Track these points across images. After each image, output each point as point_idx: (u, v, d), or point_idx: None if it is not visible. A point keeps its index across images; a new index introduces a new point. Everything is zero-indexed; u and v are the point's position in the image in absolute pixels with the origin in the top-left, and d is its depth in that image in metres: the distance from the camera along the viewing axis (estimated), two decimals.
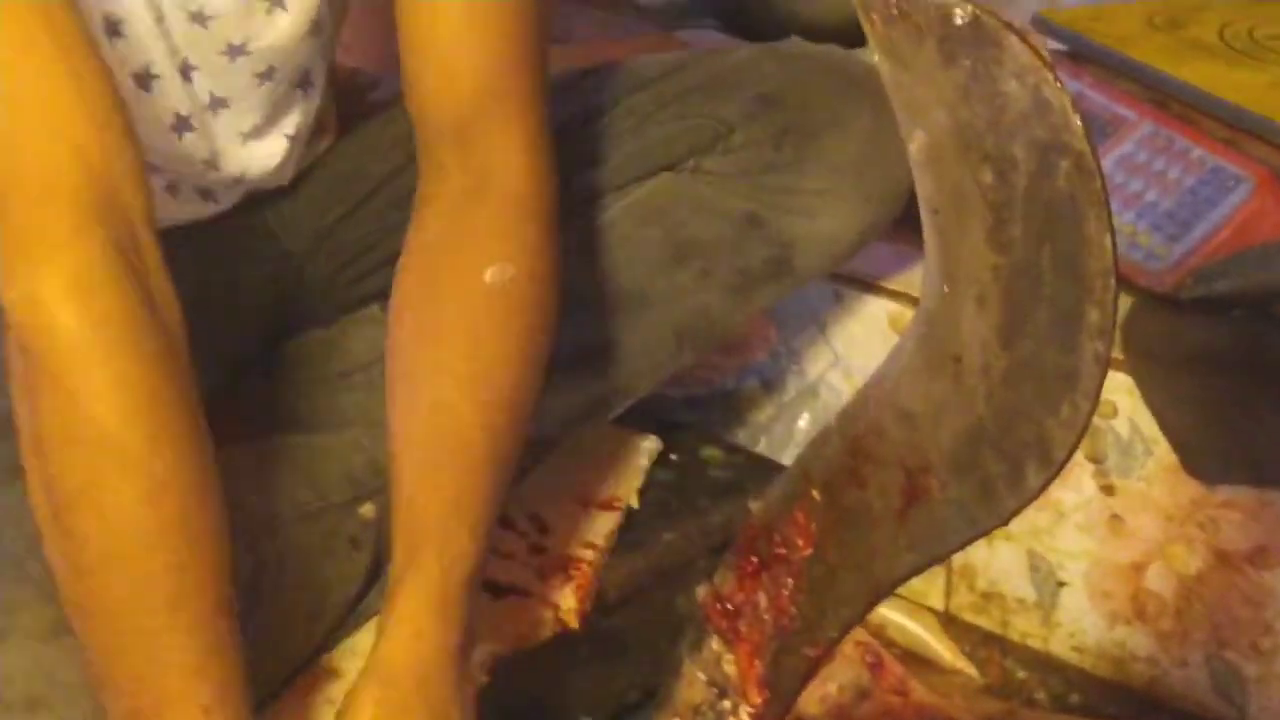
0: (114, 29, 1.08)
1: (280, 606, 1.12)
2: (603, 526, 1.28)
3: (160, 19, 1.09)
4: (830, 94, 1.26)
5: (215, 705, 0.92)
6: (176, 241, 1.17)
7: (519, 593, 1.22)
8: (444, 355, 1.05)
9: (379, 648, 1.00)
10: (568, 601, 1.21)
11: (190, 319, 1.17)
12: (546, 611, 1.21)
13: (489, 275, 1.06)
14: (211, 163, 1.16)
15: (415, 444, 1.05)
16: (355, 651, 1.15)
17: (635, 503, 1.31)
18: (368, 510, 1.20)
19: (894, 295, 1.43)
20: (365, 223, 1.26)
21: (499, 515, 1.06)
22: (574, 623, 1.20)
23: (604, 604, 1.29)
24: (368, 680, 0.98)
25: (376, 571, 1.20)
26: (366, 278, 1.27)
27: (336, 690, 1.12)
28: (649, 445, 1.38)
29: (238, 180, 1.19)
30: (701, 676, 0.96)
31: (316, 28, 1.15)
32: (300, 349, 1.29)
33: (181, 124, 1.13)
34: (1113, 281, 0.76)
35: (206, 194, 1.19)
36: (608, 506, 1.30)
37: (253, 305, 1.25)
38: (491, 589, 1.21)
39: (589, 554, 1.26)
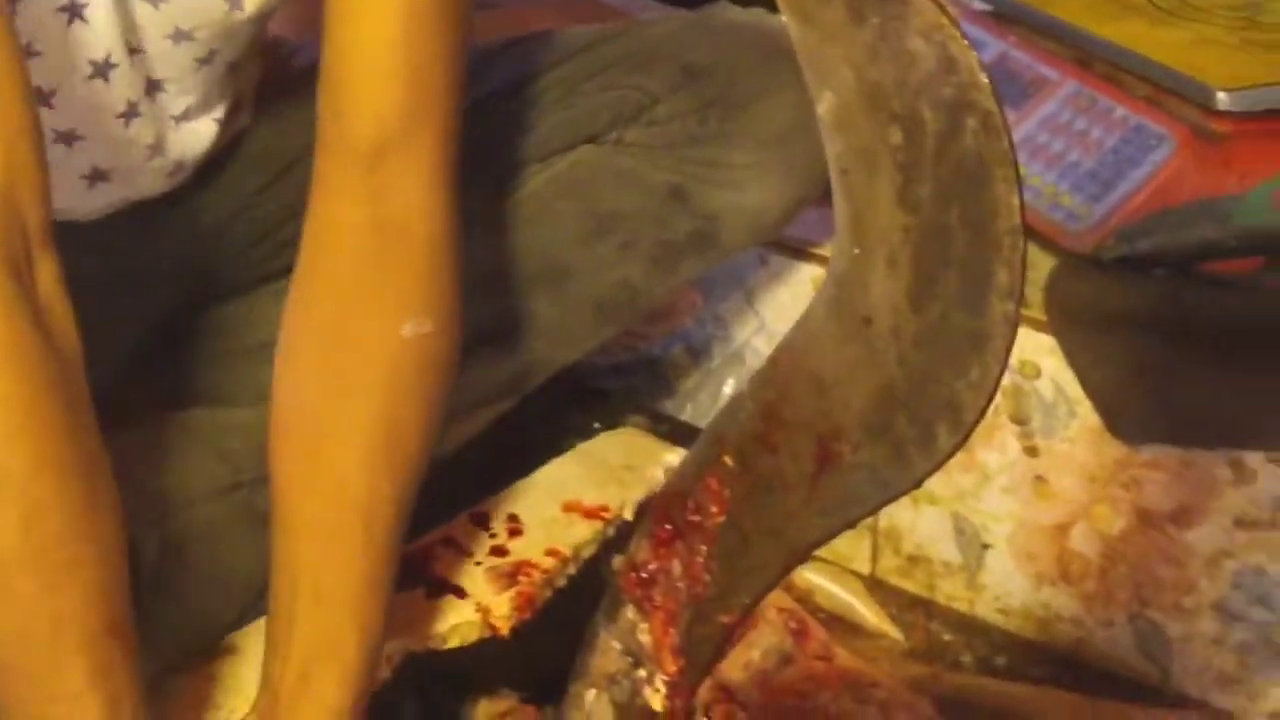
0: (76, 13, 1.05)
1: (187, 586, 1.10)
2: (577, 535, 1.25)
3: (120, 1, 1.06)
4: (757, 66, 1.25)
5: None
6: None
7: (455, 592, 1.20)
8: (353, 414, 0.99)
9: None
10: (501, 608, 1.19)
11: (101, 290, 1.16)
12: (476, 615, 1.19)
13: (407, 329, 1.01)
14: (156, 148, 1.14)
15: (315, 532, 0.99)
16: (258, 629, 1.13)
17: (629, 515, 1.28)
18: None
19: (821, 260, 1.43)
20: (283, 195, 1.24)
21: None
22: (504, 630, 1.18)
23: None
24: None
25: None
26: (284, 249, 1.25)
27: (229, 668, 1.11)
28: (668, 458, 1.34)
29: (179, 165, 1.16)
30: (617, 645, 0.95)
31: (264, 16, 1.13)
32: (215, 320, 1.27)
33: (130, 110, 1.11)
34: (1021, 241, 0.75)
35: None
36: (593, 515, 1.27)
37: (165, 275, 1.23)
38: (428, 585, 1.19)
39: (548, 562, 1.23)
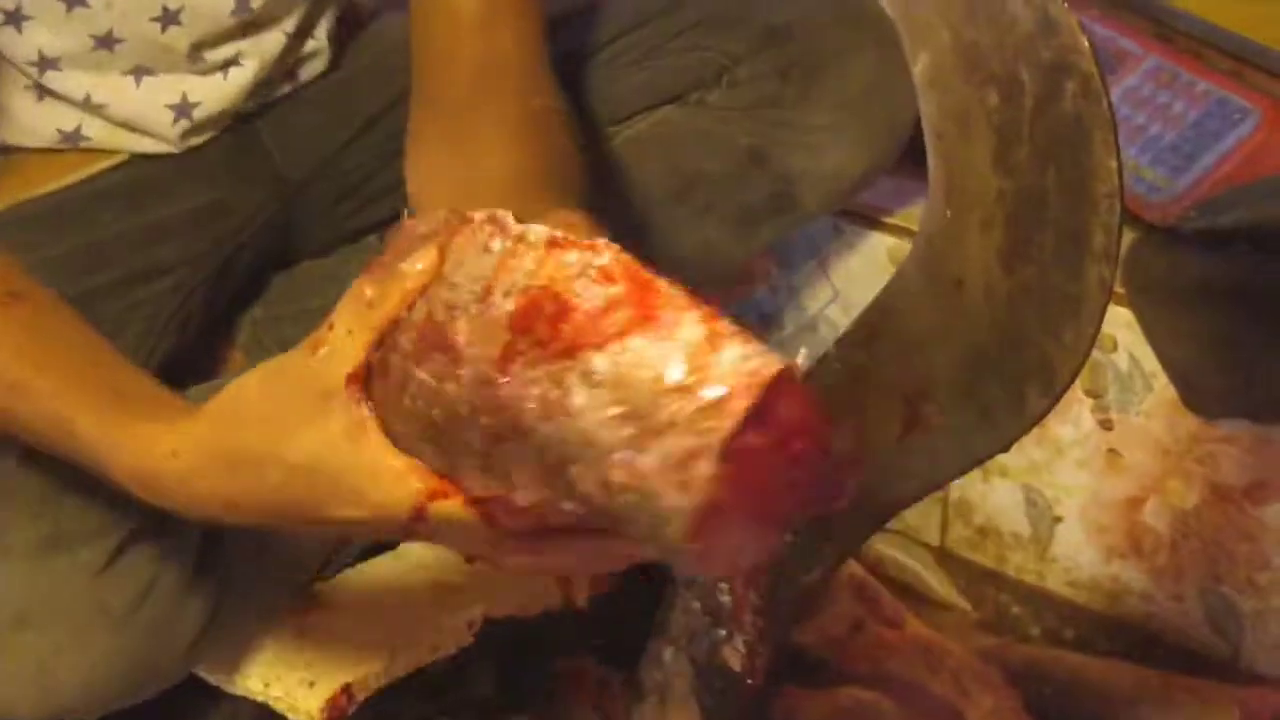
0: None
1: (266, 541, 1.11)
2: None
3: None
4: (835, 28, 1.25)
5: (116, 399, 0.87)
6: (179, 159, 1.17)
7: None
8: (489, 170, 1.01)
9: None
10: (581, 585, 1.20)
11: (179, 245, 1.17)
12: (556, 588, 1.20)
13: (535, 101, 1.04)
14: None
15: None
16: (345, 583, 1.15)
17: None
18: None
19: (894, 230, 1.42)
20: (364, 151, 1.25)
21: None
22: (581, 603, 1.19)
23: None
24: None
25: None
26: (365, 208, 1.26)
27: (320, 620, 1.12)
28: None
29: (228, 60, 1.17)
30: (696, 605, 0.96)
31: None
32: (295, 279, 1.28)
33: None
34: (1118, 204, 0.75)
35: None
36: None
37: (245, 230, 1.24)
38: None
39: None
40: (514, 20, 1.07)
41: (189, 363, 1.19)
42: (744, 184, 1.25)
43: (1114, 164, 0.74)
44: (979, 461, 0.83)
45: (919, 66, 0.80)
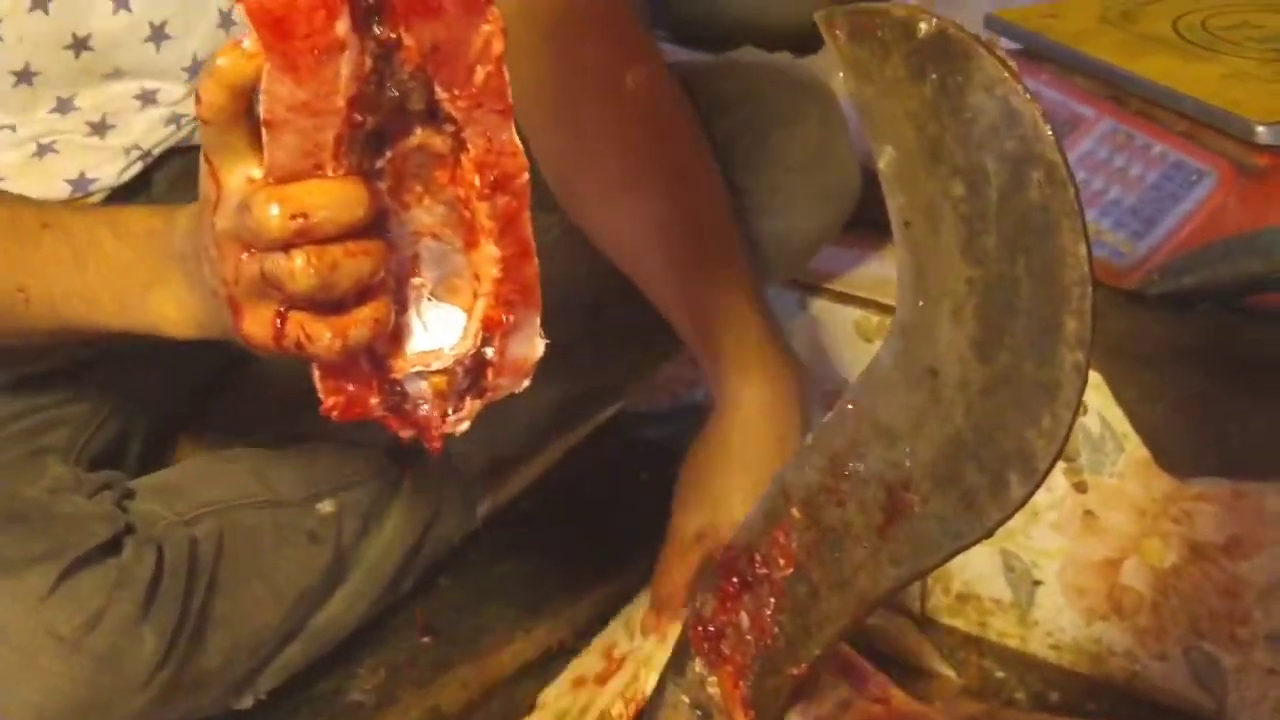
0: None
1: (228, 586, 1.12)
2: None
3: None
4: (779, 96, 1.29)
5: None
6: None
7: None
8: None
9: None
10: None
11: (150, 345, 1.17)
12: None
13: (629, 80, 1.07)
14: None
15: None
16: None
17: None
18: (326, 506, 1.20)
19: (860, 302, 1.43)
20: None
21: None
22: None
23: None
24: None
25: (337, 567, 1.20)
26: None
27: None
28: None
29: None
30: (685, 700, 0.96)
31: None
32: (265, 370, 1.29)
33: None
34: (1089, 290, 0.76)
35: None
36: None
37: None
38: None
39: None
40: None
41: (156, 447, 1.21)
42: None
43: (1083, 251, 0.75)
44: (964, 547, 0.83)
45: (883, 160, 0.80)
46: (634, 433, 1.54)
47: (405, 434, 0.83)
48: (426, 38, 0.76)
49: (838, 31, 0.79)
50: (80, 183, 1.15)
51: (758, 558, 0.91)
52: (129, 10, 1.10)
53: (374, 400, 0.82)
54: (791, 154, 1.28)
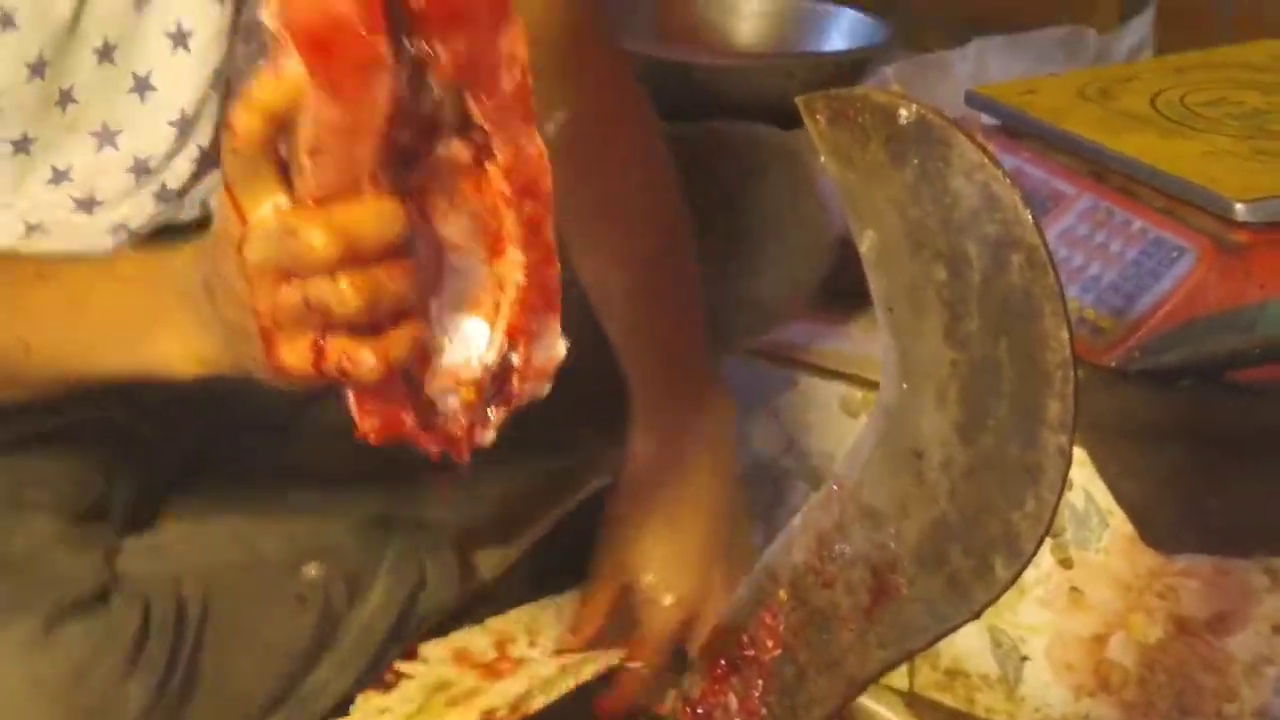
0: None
1: (215, 646, 1.12)
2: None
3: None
4: (746, 159, 1.30)
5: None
6: None
7: None
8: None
9: None
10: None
11: (134, 414, 1.17)
12: None
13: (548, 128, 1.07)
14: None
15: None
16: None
17: None
18: (312, 570, 1.20)
19: (845, 378, 1.44)
20: None
21: None
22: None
23: None
24: None
25: (325, 632, 1.20)
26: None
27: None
28: None
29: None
30: None
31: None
32: (253, 441, 1.29)
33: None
34: (1072, 374, 0.76)
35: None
36: None
37: (200, 400, 1.24)
38: None
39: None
40: None
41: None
42: None
43: (1065, 335, 0.75)
44: (951, 630, 0.84)
45: (865, 245, 0.81)
46: None
47: (434, 449, 0.83)
48: (460, 48, 0.76)
49: (818, 116, 0.80)
50: None
51: (745, 639, 0.91)
52: (113, 63, 1.11)
53: (408, 419, 0.82)
54: (757, 212, 1.29)
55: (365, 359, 0.79)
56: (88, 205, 1.15)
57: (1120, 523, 1.29)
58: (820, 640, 0.88)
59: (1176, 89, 1.49)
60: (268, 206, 0.78)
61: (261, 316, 0.80)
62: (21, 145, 1.11)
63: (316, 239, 0.77)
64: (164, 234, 1.17)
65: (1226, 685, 1.27)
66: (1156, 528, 1.26)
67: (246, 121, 0.77)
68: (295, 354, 0.81)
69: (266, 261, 0.79)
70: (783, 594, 0.89)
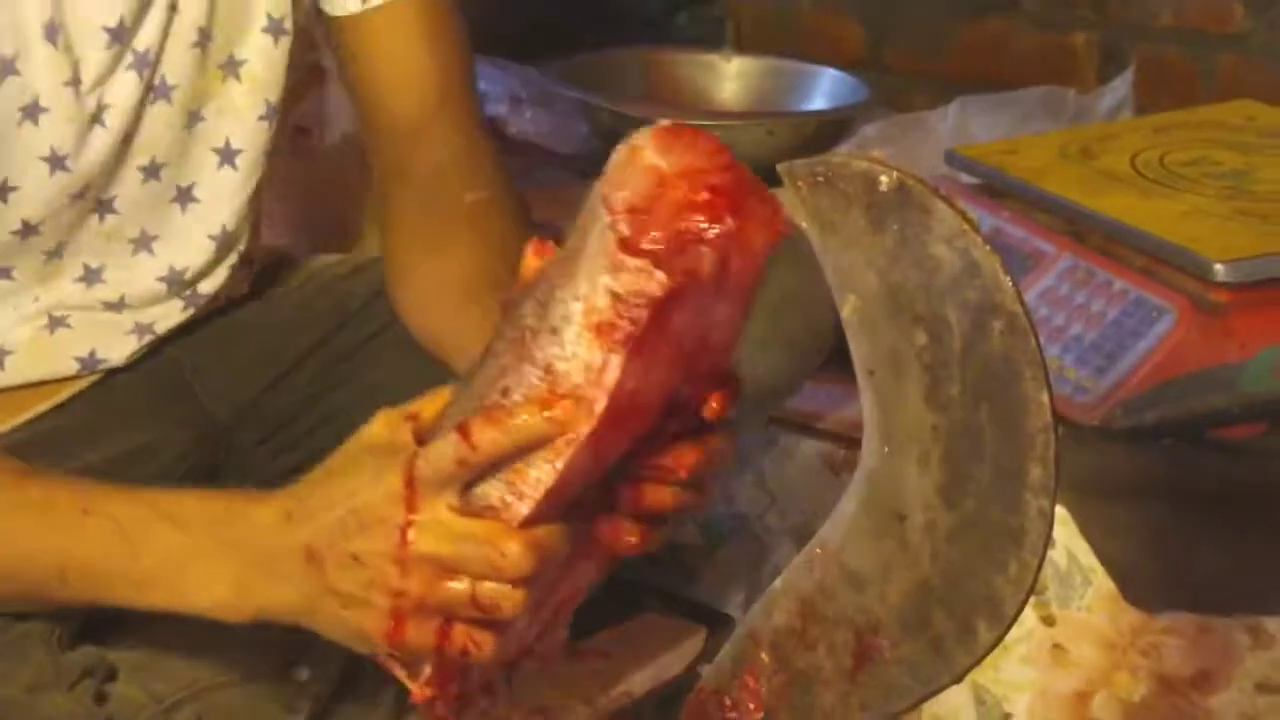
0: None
1: None
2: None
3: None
4: None
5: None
6: (98, 400, 1.18)
7: None
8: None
9: None
10: None
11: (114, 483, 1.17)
12: None
13: (468, 196, 1.14)
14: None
15: None
16: None
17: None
18: (302, 673, 1.19)
19: (829, 436, 1.44)
20: (289, 393, 1.26)
21: None
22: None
23: None
24: None
25: None
26: (291, 449, 1.27)
27: None
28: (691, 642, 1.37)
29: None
30: None
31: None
32: None
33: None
34: (1053, 438, 0.76)
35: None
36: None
37: (175, 473, 1.24)
38: None
39: None
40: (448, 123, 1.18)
41: None
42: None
43: (1045, 399, 0.76)
44: (934, 692, 0.84)
45: (847, 309, 0.81)
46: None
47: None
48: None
49: (799, 183, 0.81)
50: (89, 361, 1.17)
51: (728, 701, 0.91)
52: (158, 179, 1.13)
53: (453, 689, 0.90)
54: (766, 300, 1.29)
55: (488, 643, 0.87)
56: (117, 306, 1.16)
57: (1103, 580, 1.29)
58: (803, 703, 0.88)
59: (1156, 149, 1.50)
60: (442, 505, 0.85)
61: (403, 598, 0.86)
62: (56, 252, 1.12)
63: (517, 555, 0.84)
64: (190, 331, 1.20)
65: None
66: (1139, 585, 1.26)
67: (496, 442, 0.83)
68: (422, 634, 0.87)
69: (437, 555, 0.85)
70: (765, 656, 0.89)
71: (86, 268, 1.14)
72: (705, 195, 0.80)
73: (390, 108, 1.18)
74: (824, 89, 2.05)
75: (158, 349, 1.20)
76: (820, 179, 0.80)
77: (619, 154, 0.82)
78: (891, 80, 2.14)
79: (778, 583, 0.89)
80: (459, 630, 0.86)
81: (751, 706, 0.90)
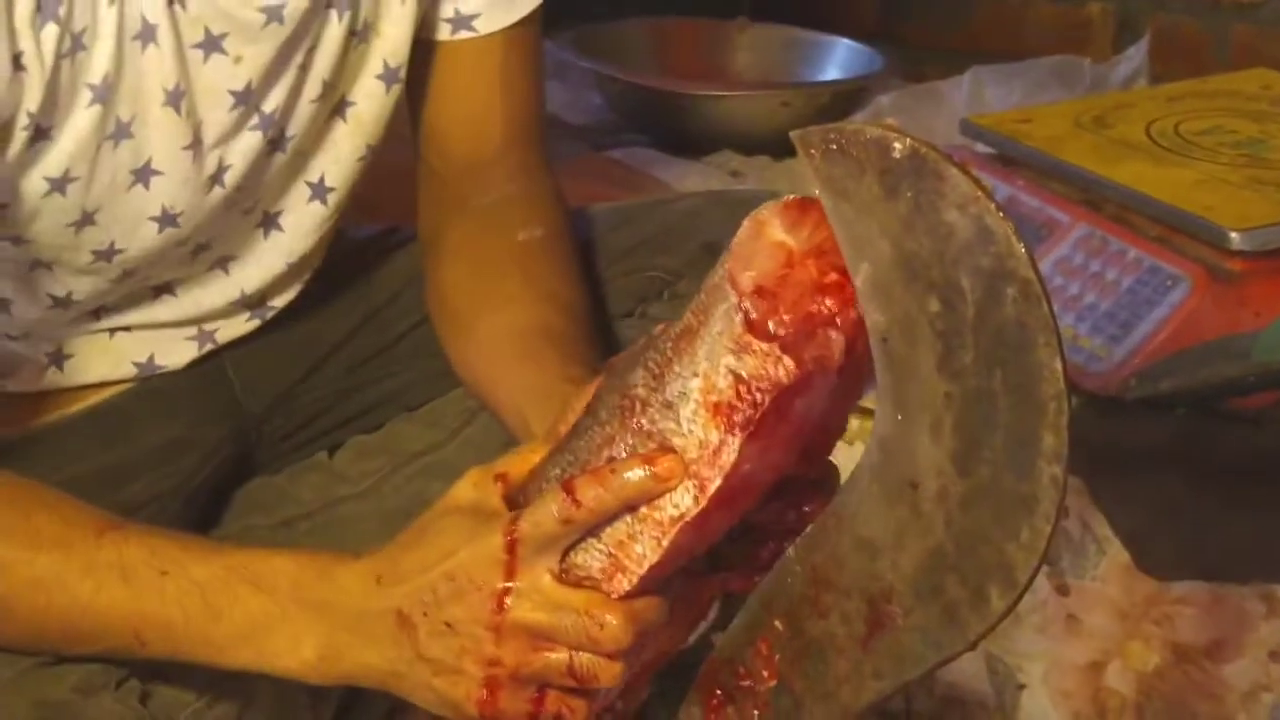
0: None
1: None
2: None
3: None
4: (722, 224, 1.28)
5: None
6: (139, 391, 1.18)
7: None
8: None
9: None
10: None
11: (147, 483, 1.17)
12: None
13: (521, 235, 1.13)
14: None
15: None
16: None
17: None
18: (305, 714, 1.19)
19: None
20: (321, 386, 1.27)
21: None
22: None
23: None
24: None
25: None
26: (320, 438, 1.28)
27: None
28: None
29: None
30: None
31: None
32: (248, 497, 1.28)
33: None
34: (1066, 405, 0.76)
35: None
36: None
37: (208, 464, 1.24)
38: None
39: None
40: (513, 164, 1.18)
41: None
42: None
43: (1059, 366, 0.76)
44: (947, 660, 0.83)
45: (860, 277, 0.81)
46: None
47: None
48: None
49: (813, 150, 0.80)
50: (147, 366, 1.17)
51: (741, 669, 0.91)
52: (249, 213, 1.13)
53: None
54: None
55: (581, 710, 0.88)
56: (182, 319, 1.16)
57: (1116, 550, 1.29)
58: (816, 670, 0.88)
59: (1171, 118, 1.50)
60: (543, 571, 0.85)
61: (497, 667, 0.86)
62: (133, 273, 1.12)
63: (616, 628, 0.85)
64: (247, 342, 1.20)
65: (1223, 712, 1.27)
66: (1153, 555, 1.27)
67: (601, 499, 0.84)
68: (516, 703, 0.87)
69: (535, 624, 0.86)
70: (778, 624, 0.89)
71: (160, 286, 1.14)
72: (835, 276, 0.79)
73: (453, 143, 1.18)
74: (839, 59, 2.04)
75: (219, 360, 1.21)
76: (834, 146, 0.80)
77: (745, 228, 0.81)
78: (906, 51, 2.14)
79: (791, 551, 0.89)
80: (553, 698, 0.87)
81: (765, 674, 0.90)
